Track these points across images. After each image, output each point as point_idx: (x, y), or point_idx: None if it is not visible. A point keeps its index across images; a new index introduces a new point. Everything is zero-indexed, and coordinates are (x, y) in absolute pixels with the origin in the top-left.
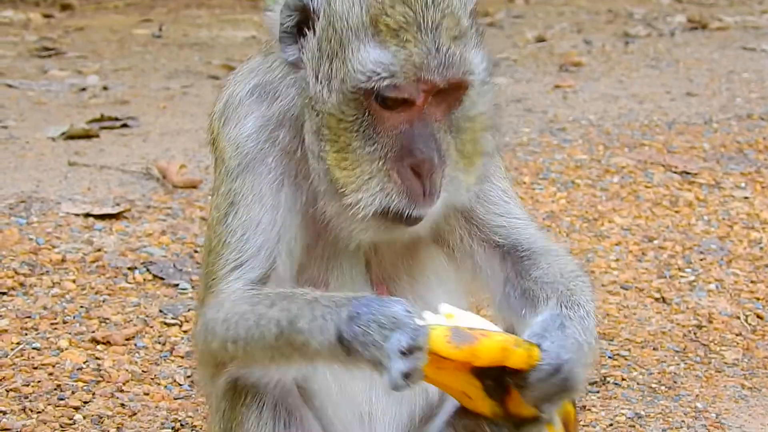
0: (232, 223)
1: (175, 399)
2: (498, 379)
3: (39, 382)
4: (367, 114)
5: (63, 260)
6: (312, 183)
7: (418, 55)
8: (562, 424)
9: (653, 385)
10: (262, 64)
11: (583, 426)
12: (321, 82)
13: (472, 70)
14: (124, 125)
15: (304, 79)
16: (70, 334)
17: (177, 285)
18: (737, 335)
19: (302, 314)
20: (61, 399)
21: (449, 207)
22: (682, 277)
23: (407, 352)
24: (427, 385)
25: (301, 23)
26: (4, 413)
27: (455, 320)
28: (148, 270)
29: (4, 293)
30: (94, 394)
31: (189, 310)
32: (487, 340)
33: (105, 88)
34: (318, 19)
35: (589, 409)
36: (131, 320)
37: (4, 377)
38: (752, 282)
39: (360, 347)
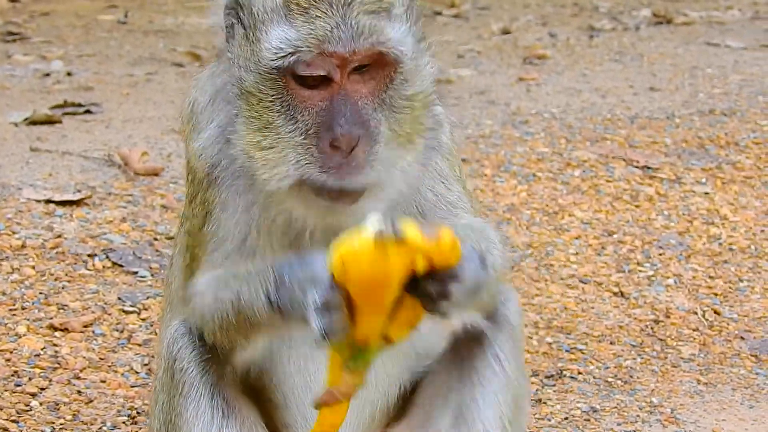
0: (209, 230)
1: (131, 387)
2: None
3: None
4: (286, 93)
5: (23, 246)
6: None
7: (321, 28)
8: None
9: (609, 379)
10: (219, 67)
11: (538, 419)
12: (241, 67)
13: (385, 41)
14: (87, 111)
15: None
16: (28, 320)
17: (136, 273)
18: (694, 330)
19: (242, 290)
20: (18, 385)
21: (395, 191)
22: (640, 271)
23: (324, 309)
24: (388, 389)
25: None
26: None
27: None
28: (107, 257)
29: None
30: (50, 380)
31: (147, 298)
32: (446, 232)
33: (69, 74)
34: (243, 8)
35: (544, 403)
36: (89, 307)
37: None
38: (710, 278)
39: (288, 308)
